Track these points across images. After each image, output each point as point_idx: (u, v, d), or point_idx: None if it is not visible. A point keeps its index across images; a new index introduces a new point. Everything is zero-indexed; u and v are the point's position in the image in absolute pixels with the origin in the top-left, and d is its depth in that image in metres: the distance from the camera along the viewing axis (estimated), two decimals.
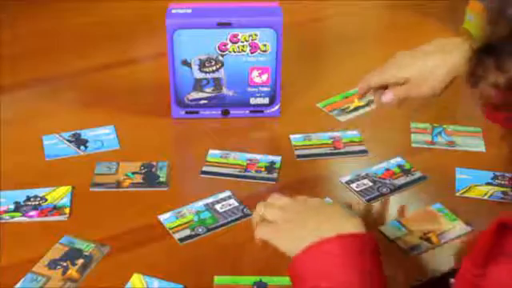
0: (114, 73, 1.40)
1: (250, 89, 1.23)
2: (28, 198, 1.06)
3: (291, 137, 1.21)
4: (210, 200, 1.05)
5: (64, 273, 0.93)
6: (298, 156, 1.17)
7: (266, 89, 1.23)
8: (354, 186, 1.09)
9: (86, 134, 1.20)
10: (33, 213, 1.03)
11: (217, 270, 0.93)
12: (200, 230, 1.00)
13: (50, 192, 1.07)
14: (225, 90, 1.23)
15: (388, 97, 1.09)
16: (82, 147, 1.17)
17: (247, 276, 0.92)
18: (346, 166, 1.15)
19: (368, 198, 1.07)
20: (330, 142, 1.19)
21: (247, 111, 1.26)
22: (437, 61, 1.06)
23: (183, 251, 0.98)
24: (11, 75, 1.39)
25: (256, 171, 1.12)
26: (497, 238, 0.69)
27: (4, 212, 1.03)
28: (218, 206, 1.04)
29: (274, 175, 1.11)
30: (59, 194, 1.06)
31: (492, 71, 0.65)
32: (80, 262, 0.95)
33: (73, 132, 1.21)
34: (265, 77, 1.22)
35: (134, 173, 1.11)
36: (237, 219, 1.02)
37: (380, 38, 1.61)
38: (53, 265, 0.94)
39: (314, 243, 0.80)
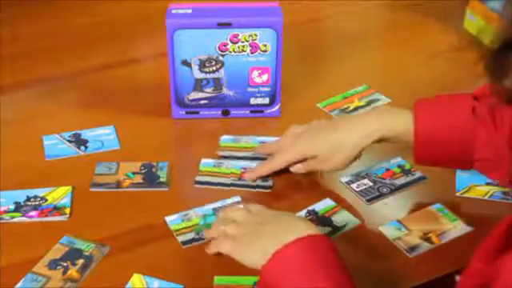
0: (114, 73, 1.39)
1: (250, 89, 1.23)
2: (28, 198, 1.06)
3: None
4: (218, 204, 1.04)
5: (64, 273, 0.93)
6: None
7: (266, 89, 1.23)
8: (354, 186, 1.09)
9: (86, 134, 1.20)
10: (33, 213, 1.03)
11: (217, 270, 0.93)
12: (203, 235, 0.99)
13: (50, 192, 1.07)
14: (225, 90, 1.23)
15: (297, 169, 1.09)
16: (82, 147, 1.17)
17: (247, 276, 0.91)
18: None
19: (368, 197, 1.07)
20: None
21: (247, 111, 1.26)
22: (343, 135, 1.06)
23: (183, 251, 0.97)
24: (11, 75, 1.38)
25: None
26: (508, 237, 0.68)
27: (4, 212, 1.03)
28: None
29: (270, 183, 1.10)
30: (59, 194, 1.06)
31: None
32: (80, 262, 0.95)
33: (73, 132, 1.20)
34: (265, 77, 1.22)
35: (134, 173, 1.11)
36: None
37: (380, 37, 1.61)
38: (53, 265, 0.94)
39: (277, 250, 0.81)
